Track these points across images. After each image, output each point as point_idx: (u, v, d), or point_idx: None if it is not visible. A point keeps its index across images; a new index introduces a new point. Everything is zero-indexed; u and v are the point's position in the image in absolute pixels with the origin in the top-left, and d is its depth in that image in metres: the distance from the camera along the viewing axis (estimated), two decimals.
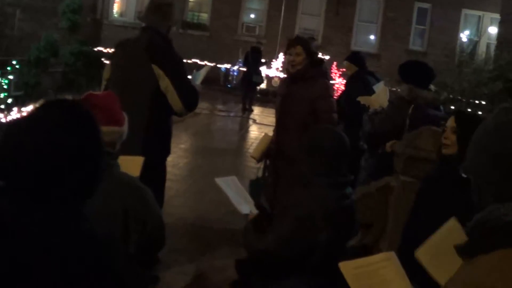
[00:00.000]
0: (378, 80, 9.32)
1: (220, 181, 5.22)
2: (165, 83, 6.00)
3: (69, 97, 2.55)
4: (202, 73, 6.97)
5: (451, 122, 4.30)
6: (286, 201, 4.62)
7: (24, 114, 2.28)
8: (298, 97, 6.88)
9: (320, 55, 7.84)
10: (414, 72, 6.77)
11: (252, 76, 22.66)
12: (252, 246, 4.60)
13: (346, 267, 3.42)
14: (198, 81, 6.74)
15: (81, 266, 2.28)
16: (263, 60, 24.11)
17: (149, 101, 6.04)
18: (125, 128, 3.85)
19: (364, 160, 7.30)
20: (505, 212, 2.13)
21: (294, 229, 4.29)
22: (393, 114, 6.69)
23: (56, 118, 2.33)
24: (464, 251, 2.23)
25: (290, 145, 6.79)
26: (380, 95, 7.58)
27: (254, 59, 23.29)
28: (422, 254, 3.52)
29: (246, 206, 5.01)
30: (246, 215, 4.91)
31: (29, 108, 9.33)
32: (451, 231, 3.49)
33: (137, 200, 3.74)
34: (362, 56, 10.14)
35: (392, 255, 3.52)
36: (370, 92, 8.56)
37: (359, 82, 9.18)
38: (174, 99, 6.08)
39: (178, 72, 6.14)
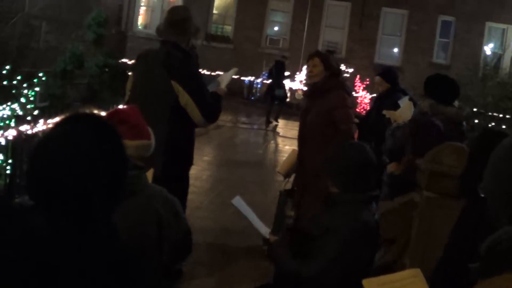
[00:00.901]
0: (411, 97, 9.30)
1: (236, 202, 5.23)
2: (185, 99, 6.03)
3: (90, 110, 2.56)
4: (229, 74, 7.01)
5: None
6: (326, 223, 4.52)
7: (49, 128, 2.29)
8: (316, 109, 6.92)
9: (343, 67, 7.85)
10: (438, 87, 6.72)
11: (275, 90, 22.70)
12: (299, 273, 4.43)
13: (370, 284, 3.41)
14: (224, 84, 6.77)
15: (112, 279, 2.32)
16: (287, 73, 24.15)
17: (170, 114, 6.07)
18: (152, 141, 3.89)
19: (386, 175, 7.29)
20: None
21: (341, 251, 4.21)
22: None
23: (81, 133, 2.36)
24: (478, 272, 2.24)
25: (311, 158, 6.84)
26: (405, 110, 7.57)
27: (277, 72, 23.33)
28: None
29: (265, 228, 4.99)
30: (267, 239, 4.87)
31: (55, 120, 9.40)
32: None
33: (168, 210, 3.78)
34: (395, 73, 9.90)
35: (418, 272, 3.50)
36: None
37: (391, 100, 9.06)
38: (194, 113, 6.11)
39: (197, 87, 6.16)
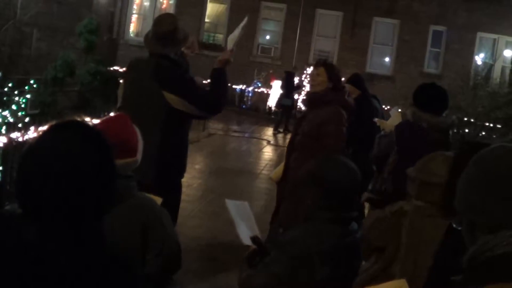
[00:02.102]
0: (380, 103, 9.36)
1: (230, 204, 5.09)
2: (179, 103, 6.03)
3: (79, 117, 2.55)
4: (238, 30, 6.99)
5: None
6: (283, 237, 4.45)
7: (37, 136, 2.28)
8: (309, 120, 6.92)
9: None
10: (423, 95, 6.66)
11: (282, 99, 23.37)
12: (244, 283, 4.35)
13: None
14: (231, 44, 6.77)
15: (104, 285, 2.33)
16: (296, 80, 24.56)
17: (162, 123, 6.06)
18: (138, 156, 3.88)
19: (372, 183, 7.28)
20: (496, 243, 2.14)
21: (289, 268, 4.00)
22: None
23: (69, 141, 2.35)
24: (460, 284, 2.25)
25: (295, 167, 6.83)
26: (395, 119, 7.59)
27: (286, 83, 23.74)
28: None
29: (247, 236, 4.81)
30: (248, 246, 4.69)
31: (46, 127, 9.39)
32: None
33: (154, 220, 3.77)
34: (363, 79, 9.98)
35: (403, 282, 3.50)
36: (378, 115, 8.58)
37: (367, 105, 9.12)
38: (191, 111, 6.13)
39: (188, 90, 6.15)
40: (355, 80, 9.65)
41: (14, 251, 2.21)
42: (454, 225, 2.59)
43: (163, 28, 6.33)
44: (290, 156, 7.15)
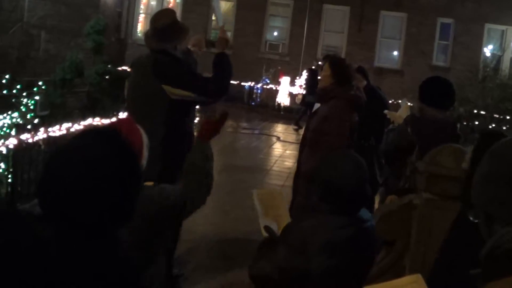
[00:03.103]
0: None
1: (256, 194, 5.13)
2: (180, 92, 6.05)
3: (106, 124, 2.61)
4: (216, 7, 7.06)
5: None
6: (289, 227, 4.47)
7: (67, 140, 2.30)
8: (317, 115, 6.94)
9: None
10: (429, 90, 6.62)
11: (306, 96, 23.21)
12: (251, 271, 4.41)
13: None
14: (220, 22, 6.85)
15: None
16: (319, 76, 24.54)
17: (164, 120, 6.09)
18: (143, 161, 3.85)
19: (383, 177, 7.29)
20: None
21: (286, 257, 4.08)
22: (402, 131, 6.66)
23: (96, 149, 2.38)
24: (479, 278, 2.23)
25: (305, 162, 6.87)
26: (403, 112, 7.59)
27: (309, 80, 23.71)
28: None
29: (274, 224, 4.85)
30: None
31: (55, 128, 9.42)
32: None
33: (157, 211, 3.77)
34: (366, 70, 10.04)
35: (419, 277, 3.48)
36: (386, 104, 8.58)
37: (376, 96, 9.12)
38: (192, 98, 6.17)
39: (188, 80, 6.18)
40: (361, 69, 9.66)
41: (28, 250, 2.22)
42: (470, 218, 2.57)
43: (160, 23, 6.39)
44: (302, 152, 7.19)
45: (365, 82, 9.39)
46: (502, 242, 2.14)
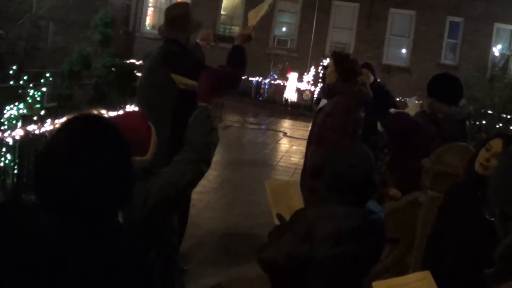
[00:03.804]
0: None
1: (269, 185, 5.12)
2: (188, 83, 6.05)
3: (96, 111, 2.61)
4: (262, 7, 7.01)
5: (497, 147, 4.08)
6: (300, 213, 4.54)
7: (55, 129, 2.31)
8: (322, 111, 6.95)
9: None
10: (438, 86, 6.64)
11: None
12: (259, 257, 4.47)
13: (380, 287, 3.39)
14: (254, 20, 6.85)
15: (122, 274, 2.35)
16: None
17: (173, 106, 6.11)
18: (149, 156, 3.83)
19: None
20: None
21: (292, 244, 4.15)
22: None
23: (88, 136, 2.39)
24: (493, 278, 2.21)
25: (311, 157, 6.88)
26: (411, 110, 7.56)
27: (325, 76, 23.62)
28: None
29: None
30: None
31: (62, 120, 9.43)
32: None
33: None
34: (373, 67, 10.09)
35: (427, 274, 3.48)
36: (393, 101, 8.57)
37: (384, 92, 9.14)
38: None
39: (198, 71, 6.20)
40: (369, 66, 9.74)
41: (33, 240, 2.23)
42: (486, 216, 2.55)
43: (173, 13, 6.45)
44: (308, 147, 7.19)
45: (372, 78, 9.40)
46: None
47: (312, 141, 7.07)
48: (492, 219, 2.37)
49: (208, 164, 4.19)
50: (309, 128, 7.57)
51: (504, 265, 2.18)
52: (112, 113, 10.12)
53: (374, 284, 3.36)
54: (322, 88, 7.38)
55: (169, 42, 6.39)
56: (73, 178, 2.30)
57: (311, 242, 4.03)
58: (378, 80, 9.82)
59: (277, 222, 4.68)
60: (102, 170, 2.35)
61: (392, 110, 7.87)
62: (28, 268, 2.20)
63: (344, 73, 7.00)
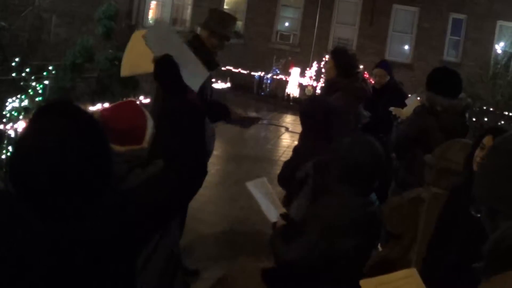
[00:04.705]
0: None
1: (251, 185, 5.15)
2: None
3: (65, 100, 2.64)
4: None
5: (489, 143, 4.13)
6: (312, 210, 4.60)
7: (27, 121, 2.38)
8: None
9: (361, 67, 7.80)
10: (437, 79, 6.70)
11: None
12: (280, 256, 4.55)
13: (368, 285, 3.40)
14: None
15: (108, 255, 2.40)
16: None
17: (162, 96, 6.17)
18: (145, 144, 3.79)
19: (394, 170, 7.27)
20: None
21: (321, 238, 4.25)
22: (413, 121, 6.69)
23: (58, 124, 2.42)
24: (482, 272, 2.23)
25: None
26: (412, 106, 7.55)
27: None
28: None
29: (275, 212, 4.92)
30: (274, 223, 4.85)
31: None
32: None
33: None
34: (391, 64, 10.02)
35: (414, 272, 3.50)
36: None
37: (398, 91, 9.12)
38: None
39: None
40: (385, 64, 9.69)
41: (9, 226, 2.26)
42: (472, 212, 2.58)
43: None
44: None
45: (388, 77, 9.36)
46: (505, 236, 2.15)
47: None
48: (478, 215, 2.40)
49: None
50: None
51: (492, 259, 2.21)
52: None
53: (361, 282, 3.37)
54: (323, 85, 7.37)
55: None
56: (44, 166, 2.34)
57: (332, 237, 4.13)
58: (394, 79, 9.74)
59: (275, 219, 4.74)
60: (72, 157, 2.38)
61: (391, 108, 7.84)
62: (4, 252, 2.23)
63: (343, 69, 7.02)
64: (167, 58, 3.09)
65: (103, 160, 2.51)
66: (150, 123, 3.84)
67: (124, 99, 10.49)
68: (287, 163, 6.11)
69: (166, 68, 3.08)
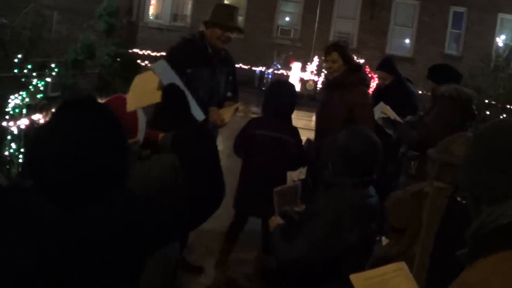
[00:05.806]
0: (413, 86, 9.27)
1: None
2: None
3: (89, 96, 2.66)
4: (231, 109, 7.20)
5: None
6: (312, 206, 4.61)
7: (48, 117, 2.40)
8: (337, 104, 6.89)
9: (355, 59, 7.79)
10: (439, 70, 6.94)
11: None
12: (282, 256, 4.54)
13: (357, 279, 3.41)
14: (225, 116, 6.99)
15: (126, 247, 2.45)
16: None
17: None
18: (139, 135, 3.85)
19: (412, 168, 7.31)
20: (501, 213, 2.18)
21: (324, 232, 4.27)
22: (448, 114, 6.77)
23: (77, 118, 2.45)
24: (465, 257, 2.28)
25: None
26: (388, 110, 7.51)
27: None
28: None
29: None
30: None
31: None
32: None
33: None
34: (394, 62, 9.75)
35: (403, 265, 3.51)
36: (414, 99, 8.52)
37: (403, 90, 8.98)
38: None
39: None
40: (386, 64, 9.51)
41: (32, 219, 2.29)
42: (458, 199, 2.67)
43: None
44: (318, 141, 7.18)
45: (391, 77, 9.21)
46: (487, 222, 2.21)
47: (321, 133, 7.06)
48: (464, 201, 2.46)
49: None
50: (313, 118, 7.57)
51: (475, 244, 2.26)
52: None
53: (351, 277, 3.38)
54: (331, 82, 7.27)
55: None
56: (63, 158, 2.37)
57: (340, 229, 4.16)
58: (401, 76, 9.51)
59: (280, 220, 4.77)
60: (91, 150, 2.41)
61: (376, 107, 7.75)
62: (28, 244, 2.24)
63: (352, 63, 7.03)
64: (175, 86, 3.22)
65: (123, 153, 2.53)
66: (140, 115, 3.90)
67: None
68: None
69: (175, 94, 3.22)
